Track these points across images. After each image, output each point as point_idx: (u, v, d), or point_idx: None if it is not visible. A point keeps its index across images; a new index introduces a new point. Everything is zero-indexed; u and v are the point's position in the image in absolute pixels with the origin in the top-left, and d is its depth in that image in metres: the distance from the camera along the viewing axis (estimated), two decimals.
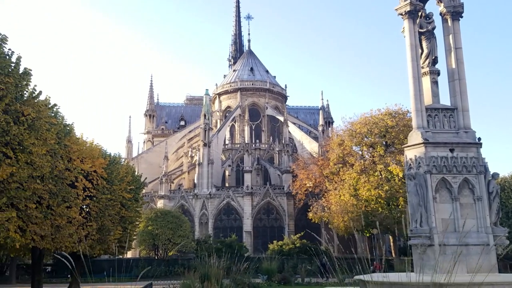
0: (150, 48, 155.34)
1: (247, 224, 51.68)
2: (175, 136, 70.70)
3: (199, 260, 38.44)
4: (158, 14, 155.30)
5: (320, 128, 57.64)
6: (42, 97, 12.34)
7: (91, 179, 18.07)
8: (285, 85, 74.68)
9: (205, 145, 55.39)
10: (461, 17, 13.29)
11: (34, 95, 11.97)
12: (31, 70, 11.35)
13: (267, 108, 68.57)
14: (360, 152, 40.11)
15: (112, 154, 22.63)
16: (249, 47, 79.36)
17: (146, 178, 30.50)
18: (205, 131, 55.98)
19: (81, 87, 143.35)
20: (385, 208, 35.92)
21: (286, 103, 74.19)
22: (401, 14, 13.46)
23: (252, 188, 53.27)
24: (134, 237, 30.16)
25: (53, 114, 13.48)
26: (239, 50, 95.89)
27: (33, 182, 11.58)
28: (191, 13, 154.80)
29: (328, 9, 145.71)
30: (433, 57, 13.46)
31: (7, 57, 10.59)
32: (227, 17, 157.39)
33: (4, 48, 10.39)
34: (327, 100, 77.74)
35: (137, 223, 27.05)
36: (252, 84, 70.06)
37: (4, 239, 10.38)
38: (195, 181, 60.50)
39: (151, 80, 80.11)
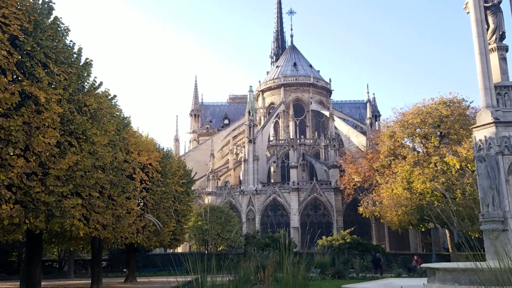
0: (194, 48, 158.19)
1: (294, 220, 51.29)
2: (220, 134, 71.43)
3: (249, 254, 38.60)
4: (200, 14, 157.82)
5: (367, 121, 56.25)
6: (101, 89, 12.71)
7: (146, 171, 18.44)
8: (330, 79, 73.59)
9: (250, 141, 55.51)
10: None
11: (95, 86, 12.30)
12: (92, 61, 11.66)
13: (311, 103, 67.80)
14: (413, 144, 38.68)
15: (165, 149, 23.06)
16: (291, 42, 78.81)
17: (196, 172, 30.90)
18: (250, 127, 56.10)
19: (129, 87, 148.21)
20: (441, 201, 34.44)
21: (331, 98, 73.06)
22: None
23: (298, 183, 52.83)
24: (187, 231, 30.65)
25: (112, 105, 13.85)
26: (281, 47, 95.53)
27: (95, 171, 11.87)
28: (233, 12, 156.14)
29: (370, 2, 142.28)
30: (501, 32, 12.65)
31: (69, 48, 10.90)
32: (268, 14, 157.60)
33: (66, 39, 10.70)
34: (373, 94, 76.07)
35: (188, 217, 27.42)
36: (296, 80, 69.49)
37: (70, 226, 10.68)
38: (241, 178, 60.89)
39: (196, 81, 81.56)
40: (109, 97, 13.43)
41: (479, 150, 11.69)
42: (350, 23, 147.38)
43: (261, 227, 50.45)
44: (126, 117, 16.24)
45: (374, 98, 74.53)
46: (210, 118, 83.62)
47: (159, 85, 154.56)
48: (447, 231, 38.99)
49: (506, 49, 12.53)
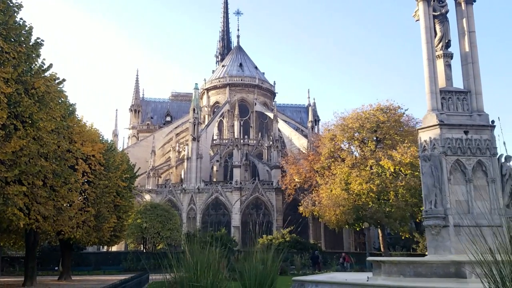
0: (136, 42, 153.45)
1: (236, 219, 51.39)
2: (162, 131, 69.89)
3: (189, 252, 38.08)
4: (144, 9, 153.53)
5: (309, 124, 57.77)
6: (49, 72, 11.84)
7: (89, 163, 17.58)
8: (274, 81, 74.70)
9: (194, 139, 54.87)
10: (474, 1, 13.33)
11: (43, 68, 11.47)
12: (43, 41, 10.83)
13: (255, 104, 68.42)
14: (352, 147, 40.33)
15: (109, 141, 22.13)
16: (238, 42, 79.02)
17: (139, 168, 29.95)
18: (194, 125, 55.46)
19: (69, 77, 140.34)
20: (375, 202, 36.17)
21: (274, 100, 74.14)
22: None
23: (241, 183, 53.00)
24: (127, 228, 29.60)
25: (60, 90, 12.95)
26: (227, 47, 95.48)
27: (39, 159, 11.10)
28: (178, 9, 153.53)
29: (317, 6, 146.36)
30: (447, 41, 13.48)
31: (20, 25, 10.08)
32: (214, 14, 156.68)
33: (17, 17, 9.88)
34: (314, 99, 78.23)
35: (130, 213, 26.53)
36: (241, 80, 69.78)
37: (11, 215, 9.87)
38: (183, 176, 59.98)
39: (137, 75, 79.23)
40: (57, 81, 12.58)
41: (424, 150, 12.38)
42: (296, 28, 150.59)
43: (202, 226, 49.98)
44: (72, 104, 15.35)
45: (314, 103, 76.71)
46: (151, 115, 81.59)
47: (99, 78, 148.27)
48: (379, 231, 40.98)
49: (451, 56, 13.40)
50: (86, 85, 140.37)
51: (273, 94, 73.51)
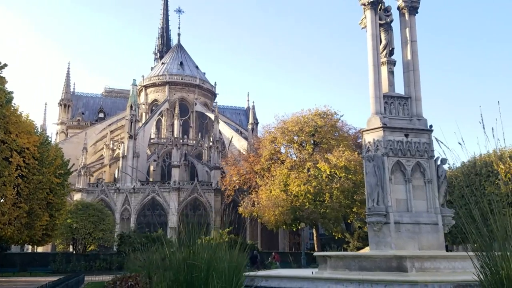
0: (70, 34, 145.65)
1: (173, 220, 50.45)
2: (95, 127, 66.86)
3: (124, 254, 36.71)
4: (81, 1, 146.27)
5: (250, 127, 58.31)
6: None
7: (23, 156, 16.41)
8: (215, 82, 74.47)
9: (130, 137, 53.18)
10: (417, 12, 14.21)
11: None
12: None
13: (196, 104, 67.75)
14: (291, 150, 41.29)
15: (44, 134, 20.77)
16: (179, 41, 77.81)
17: (73, 164, 28.45)
18: (131, 122, 53.79)
19: None
20: (311, 204, 37.24)
21: (215, 101, 73.88)
22: (364, 5, 14.05)
23: (179, 183, 52.15)
24: (58, 227, 27.91)
25: None
26: (166, 44, 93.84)
27: None
28: (115, 3, 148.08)
29: (260, 9, 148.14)
30: (390, 48, 14.23)
31: None
32: (153, 10, 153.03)
33: None
34: (253, 102, 79.10)
35: (62, 211, 25.11)
36: (182, 79, 68.79)
37: None
38: (117, 175, 57.87)
39: (68, 68, 75.66)
40: None
41: (368, 151, 12.96)
42: (238, 30, 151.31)
43: (137, 227, 48.46)
44: (10, 92, 14.16)
45: (254, 106, 77.59)
46: (82, 110, 77.96)
47: (28, 70, 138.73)
48: (314, 231, 42.22)
49: (394, 63, 14.17)
50: (14, 77, 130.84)
51: (213, 95, 73.25)
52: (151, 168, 60.29)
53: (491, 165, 24.86)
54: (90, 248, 38.98)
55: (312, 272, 12.40)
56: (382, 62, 13.98)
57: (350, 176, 36.40)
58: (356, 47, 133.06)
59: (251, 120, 58.85)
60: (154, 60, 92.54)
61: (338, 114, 42.28)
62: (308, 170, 38.47)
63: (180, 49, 75.67)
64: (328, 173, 37.28)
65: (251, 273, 11.66)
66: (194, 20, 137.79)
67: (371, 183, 12.54)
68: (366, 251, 36.93)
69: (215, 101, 73.70)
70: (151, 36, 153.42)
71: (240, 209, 41.39)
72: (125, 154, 52.72)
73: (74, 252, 38.20)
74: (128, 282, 8.05)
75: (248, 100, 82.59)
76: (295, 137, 40.94)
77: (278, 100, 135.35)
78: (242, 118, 79.78)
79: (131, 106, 54.56)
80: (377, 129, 12.93)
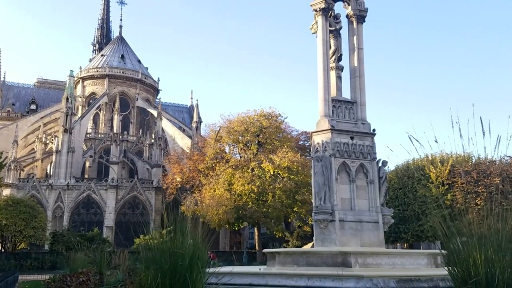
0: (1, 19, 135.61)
1: (109, 219, 48.77)
2: (27, 119, 62.98)
3: (56, 254, 34.99)
4: None
5: (194, 125, 57.72)
6: None
7: None
8: (158, 78, 72.94)
9: (65, 131, 50.65)
10: (364, 21, 14.95)
11: None
12: None
13: (137, 99, 65.93)
14: (236, 149, 41.51)
15: None
16: (120, 33, 75.29)
17: (6, 157, 26.73)
18: (67, 115, 51.25)
19: None
20: (255, 203, 37.72)
21: (157, 98, 72.35)
22: (316, 11, 14.55)
23: (117, 181, 50.49)
24: None
25: None
26: (106, 36, 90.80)
27: None
28: None
29: (208, 7, 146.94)
30: (339, 55, 14.86)
31: None
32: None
33: None
34: (197, 100, 78.51)
35: None
36: (123, 72, 66.61)
37: None
38: (49, 171, 54.96)
39: None
40: None
41: (316, 152, 13.46)
42: (183, 27, 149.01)
43: (70, 225, 46.29)
44: None
45: (197, 104, 76.99)
46: (13, 101, 73.39)
47: None
48: (256, 230, 42.74)
49: (342, 69, 14.81)
50: None
51: (156, 91, 71.72)
52: (87, 164, 57.82)
53: (423, 169, 26.59)
54: (20, 247, 36.78)
55: (260, 269, 12.63)
56: (331, 67, 14.56)
57: (293, 176, 37.30)
58: (301, 50, 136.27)
59: (195, 119, 58.34)
60: (93, 52, 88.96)
61: (282, 116, 43.19)
62: (252, 170, 38.92)
63: (122, 42, 73.27)
64: (272, 173, 37.93)
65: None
66: (137, 13, 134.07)
67: (319, 182, 13.02)
68: (308, 247, 38.07)
69: (157, 97, 72.22)
70: (90, 26, 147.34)
71: (183, 208, 40.87)
72: (59, 148, 50.16)
73: (2, 250, 35.85)
74: (80, 278, 7.79)
75: (192, 98, 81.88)
76: (240, 137, 41.23)
77: (221, 99, 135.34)
78: (185, 116, 78.89)
79: (67, 99, 51.98)
80: (326, 131, 13.46)
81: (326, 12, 14.50)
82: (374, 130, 14.01)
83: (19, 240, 35.08)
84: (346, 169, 13.39)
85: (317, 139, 13.62)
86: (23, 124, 60.34)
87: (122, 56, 69.26)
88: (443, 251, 6.08)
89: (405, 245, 34.45)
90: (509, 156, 24.13)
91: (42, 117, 64.20)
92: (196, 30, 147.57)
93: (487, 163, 24.32)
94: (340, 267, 10.93)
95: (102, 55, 70.56)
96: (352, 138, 13.65)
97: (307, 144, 49.68)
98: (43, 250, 37.10)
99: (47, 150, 56.96)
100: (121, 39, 73.81)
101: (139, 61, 71.81)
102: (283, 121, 43.49)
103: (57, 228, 43.96)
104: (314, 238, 13.43)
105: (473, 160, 26.60)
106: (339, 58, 14.90)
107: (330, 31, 14.81)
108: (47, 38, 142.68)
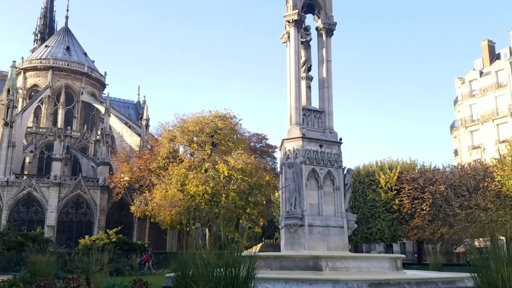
0: None
1: (51, 218, 46.56)
2: None
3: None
4: None
5: (143, 122, 56.36)
6: None
7: None
8: (105, 72, 70.42)
9: (6, 124, 47.70)
10: (333, 34, 15.64)
11: None
12: None
13: (82, 93, 63.26)
14: (189, 149, 41.18)
15: None
16: (66, 24, 71.81)
17: None
18: (8, 108, 48.26)
19: None
20: (208, 204, 37.69)
21: (103, 92, 69.87)
22: (288, 22, 15.04)
23: (60, 178, 48.29)
24: None
25: None
26: (49, 26, 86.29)
27: None
28: None
29: (157, 4, 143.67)
30: (309, 65, 15.46)
31: None
32: None
33: None
34: (144, 96, 76.74)
35: None
36: (68, 65, 63.64)
37: None
38: None
39: None
40: None
41: (288, 158, 13.93)
42: (129, 20, 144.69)
43: (8, 224, 43.63)
44: None
45: (144, 101, 75.29)
46: None
47: None
48: (207, 231, 42.64)
49: (311, 79, 15.41)
50: None
51: (103, 85, 69.26)
52: (27, 159, 54.75)
53: (373, 175, 28.03)
54: None
55: None
56: (302, 77, 15.11)
57: (246, 178, 37.69)
58: (247, 51, 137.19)
59: (145, 116, 57.04)
60: (34, 41, 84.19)
61: (237, 118, 43.47)
62: (206, 170, 38.85)
63: (68, 33, 69.99)
64: (226, 174, 38.07)
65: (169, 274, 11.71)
66: (84, 3, 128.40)
67: (290, 188, 13.49)
68: (257, 249, 38.34)
69: (103, 92, 69.76)
70: (30, 14, 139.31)
71: (133, 208, 40.04)
72: None
73: None
74: (70, 284, 7.60)
75: (139, 94, 79.94)
76: (195, 137, 40.97)
77: (167, 98, 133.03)
78: (132, 112, 76.79)
79: (9, 90, 48.96)
80: (297, 138, 13.98)
81: (299, 24, 15.03)
82: (341, 139, 14.72)
83: None
84: (315, 176, 13.97)
85: (288, 146, 14.09)
86: None
87: (68, 48, 66.23)
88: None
89: (350, 246, 36.12)
90: (454, 165, 26.11)
91: None
92: (145, 24, 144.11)
93: (432, 170, 26.12)
94: (311, 270, 11.47)
95: (46, 46, 67.02)
96: (321, 146, 14.27)
97: (258, 146, 50.38)
98: None
99: None
100: (67, 30, 70.51)
101: (85, 54, 69.04)
102: (238, 123, 43.81)
103: None
104: (282, 242, 13.89)
105: (418, 167, 28.49)
106: (309, 69, 15.49)
107: (302, 42, 15.37)
108: None
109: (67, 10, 74.38)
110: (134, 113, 75.79)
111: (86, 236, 40.76)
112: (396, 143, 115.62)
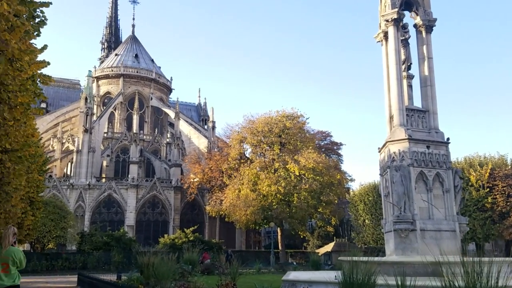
0: None
1: (130, 218, 48.95)
2: (43, 118, 62.77)
3: (84, 254, 35.02)
4: None
5: (210, 124, 57.76)
6: None
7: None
8: (171, 77, 72.88)
9: (86, 131, 50.74)
10: (432, 30, 15.12)
11: None
12: None
13: (151, 98, 65.95)
14: (259, 149, 41.64)
15: None
16: (133, 32, 75.12)
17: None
18: (87, 115, 51.32)
19: None
20: (280, 204, 37.90)
21: (170, 96, 72.41)
22: (387, 21, 14.71)
23: (137, 180, 50.65)
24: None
25: None
26: (114, 34, 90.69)
27: None
28: None
29: (217, 9, 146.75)
30: (409, 64, 15.05)
31: None
32: None
33: None
34: (205, 98, 78.59)
35: (42, 209, 23.79)
36: (137, 72, 66.57)
37: None
38: (68, 170, 55.10)
39: None
40: None
41: (393, 161, 13.64)
42: (192, 25, 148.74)
43: (97, 225, 46.51)
44: None
45: (205, 103, 77.08)
46: None
47: None
48: (279, 230, 42.91)
49: (412, 77, 15.02)
50: None
51: (169, 90, 71.77)
52: (104, 163, 57.91)
53: (462, 172, 26.76)
54: (48, 247, 36.97)
55: (335, 276, 12.74)
56: (403, 76, 14.75)
57: (318, 177, 37.47)
58: (298, 53, 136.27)
59: (211, 118, 58.35)
60: (101, 50, 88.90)
61: (304, 117, 43.30)
62: (276, 170, 39.07)
63: (135, 41, 73.18)
64: (297, 174, 38.07)
65: (289, 278, 11.79)
66: (147, 12, 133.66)
67: (398, 192, 13.21)
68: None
69: (170, 96, 72.32)
70: (94, 24, 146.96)
71: (208, 208, 41.11)
72: (80, 148, 50.24)
73: (31, 250, 36.02)
74: None
75: (199, 97, 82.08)
76: (263, 138, 41.32)
77: (226, 99, 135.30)
78: (193, 115, 78.90)
79: (86, 98, 52.03)
80: (403, 140, 13.65)
81: (398, 22, 14.67)
82: (448, 139, 14.19)
83: (48, 240, 35.24)
84: (423, 178, 13.57)
85: (393, 148, 13.80)
86: (39, 123, 60.23)
87: (136, 56, 69.24)
88: None
89: None
90: None
91: (58, 116, 64.18)
92: (204, 30, 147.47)
93: None
94: (431, 276, 11.15)
95: (116, 55, 70.48)
96: (428, 147, 13.84)
97: (322, 143, 49.87)
98: (71, 250, 37.29)
99: (63, 149, 57.01)
100: (134, 38, 73.74)
101: (152, 60, 71.83)
102: (305, 121, 43.62)
103: (78, 228, 44.13)
104: (392, 246, 13.58)
105: (509, 162, 26.84)
106: (409, 67, 15.09)
107: (400, 41, 15.00)
108: (50, 35, 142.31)
109: (133, 19, 78.09)
110: (196, 115, 77.86)
111: (165, 235, 42.45)
112: (473, 138, 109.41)
